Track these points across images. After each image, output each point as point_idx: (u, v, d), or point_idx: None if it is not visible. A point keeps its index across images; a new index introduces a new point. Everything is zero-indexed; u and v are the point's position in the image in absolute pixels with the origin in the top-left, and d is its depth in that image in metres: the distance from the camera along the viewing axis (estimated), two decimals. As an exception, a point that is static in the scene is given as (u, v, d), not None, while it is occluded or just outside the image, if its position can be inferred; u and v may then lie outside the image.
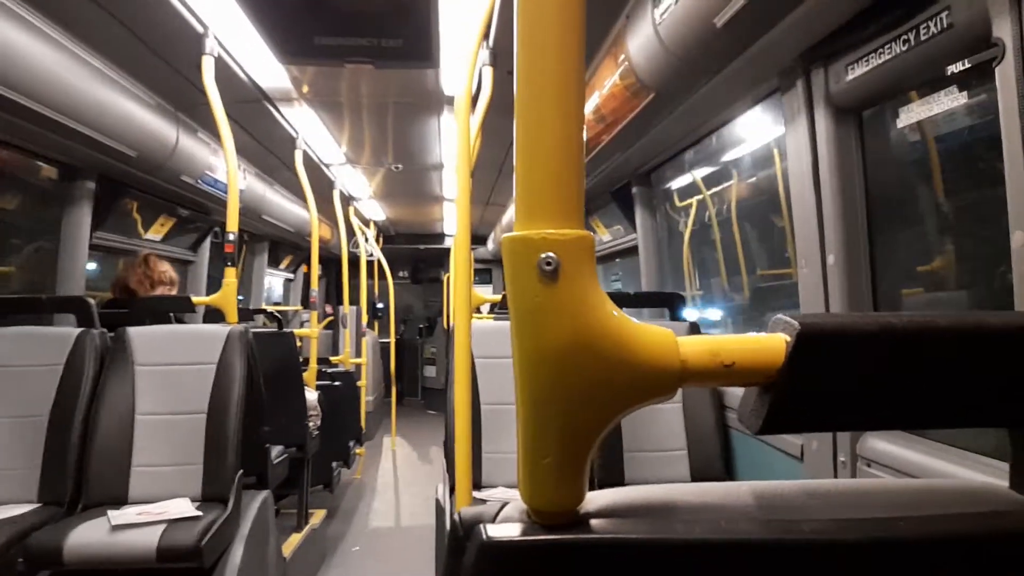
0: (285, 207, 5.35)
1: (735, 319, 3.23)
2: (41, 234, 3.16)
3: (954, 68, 1.45)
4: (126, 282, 3.06)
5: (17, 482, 2.31)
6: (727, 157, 2.96)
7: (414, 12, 2.30)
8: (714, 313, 3.43)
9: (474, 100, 2.18)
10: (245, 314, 3.28)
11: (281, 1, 2.30)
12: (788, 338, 0.48)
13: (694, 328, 2.69)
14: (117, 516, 2.10)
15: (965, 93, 1.49)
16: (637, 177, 3.63)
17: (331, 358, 5.38)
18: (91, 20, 2.27)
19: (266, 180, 4.82)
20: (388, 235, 9.09)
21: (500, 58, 2.47)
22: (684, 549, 0.49)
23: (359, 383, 5.70)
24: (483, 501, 2.23)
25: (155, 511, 2.16)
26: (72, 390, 2.40)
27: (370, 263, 7.39)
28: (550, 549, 0.49)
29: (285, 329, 3.70)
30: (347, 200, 6.04)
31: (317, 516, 4.00)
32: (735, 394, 2.39)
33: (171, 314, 3.06)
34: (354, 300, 6.27)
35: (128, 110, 2.73)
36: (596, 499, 0.53)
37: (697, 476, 2.43)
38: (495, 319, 3.91)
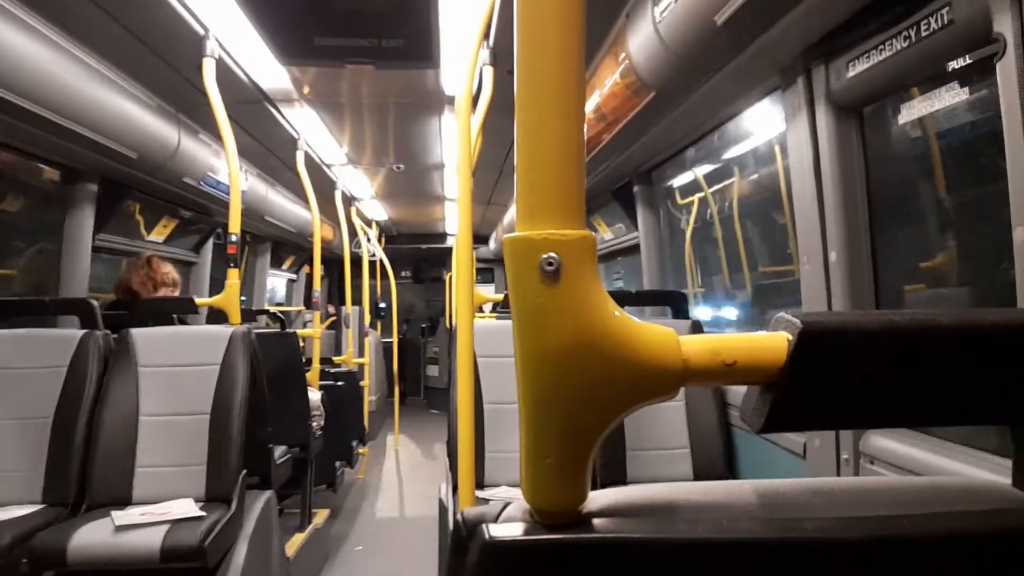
0: (287, 208, 5.35)
1: (737, 317, 3.22)
2: (44, 236, 3.17)
3: (955, 64, 1.45)
4: (129, 284, 3.07)
5: (21, 483, 2.32)
6: (728, 155, 2.95)
7: (414, 12, 2.30)
8: (716, 311, 3.43)
9: (475, 100, 2.18)
10: (248, 315, 3.29)
11: (281, 2, 2.30)
12: (790, 336, 0.48)
13: (696, 327, 2.69)
14: (121, 517, 2.10)
15: (966, 89, 1.49)
16: (638, 175, 3.63)
17: (334, 358, 5.39)
18: (92, 22, 2.28)
19: (268, 181, 4.82)
20: (390, 235, 9.10)
21: (500, 58, 2.47)
22: (687, 548, 0.49)
23: (362, 383, 5.71)
24: (486, 500, 2.23)
25: (159, 511, 2.17)
26: (76, 391, 2.41)
27: (372, 263, 7.39)
28: (553, 549, 0.50)
29: (288, 330, 3.70)
30: (349, 200, 6.05)
31: (320, 516, 4.01)
32: (738, 392, 2.39)
33: (174, 315, 3.07)
34: (356, 300, 6.28)
35: (129, 112, 2.74)
36: (598, 498, 0.53)
37: (700, 475, 2.43)
38: (497, 318, 3.91)
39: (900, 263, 1.82)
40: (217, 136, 2.92)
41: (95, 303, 2.58)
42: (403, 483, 5.61)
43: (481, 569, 0.50)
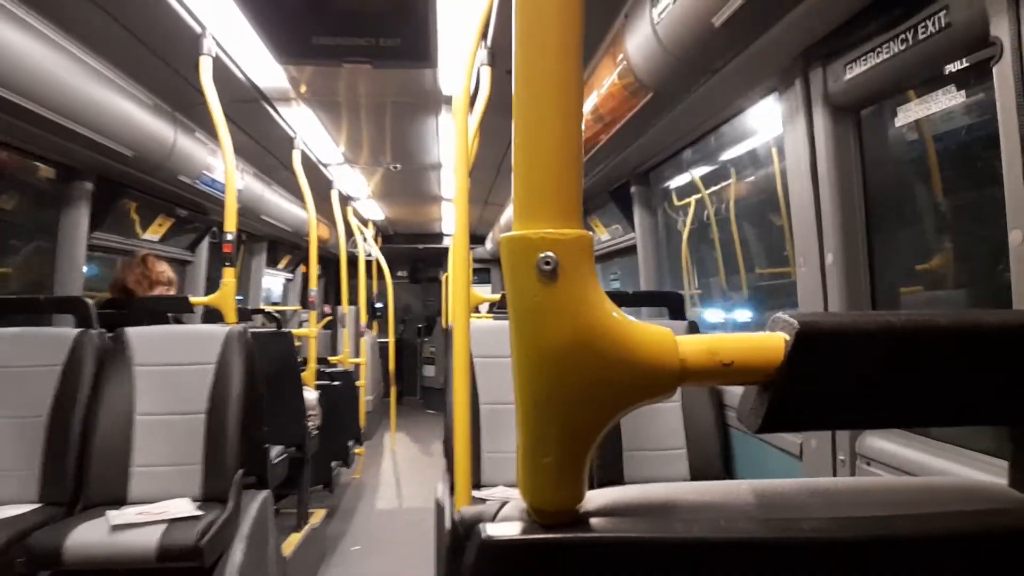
0: (283, 207, 5.35)
1: (734, 318, 3.23)
2: (39, 234, 3.16)
3: (952, 67, 1.46)
4: (124, 282, 3.06)
5: (17, 482, 2.31)
6: (725, 156, 2.96)
7: (412, 12, 2.30)
8: (712, 312, 3.43)
9: (472, 100, 2.18)
10: (244, 314, 3.28)
11: (279, 1, 2.30)
12: (787, 337, 0.48)
13: (693, 327, 2.69)
14: (117, 516, 2.10)
15: (963, 92, 1.49)
16: (636, 176, 3.64)
17: (330, 358, 5.38)
18: (89, 20, 2.27)
19: (264, 180, 4.81)
20: (387, 235, 9.09)
21: (498, 58, 2.47)
22: (683, 548, 0.49)
23: (358, 383, 5.70)
24: (483, 500, 2.23)
25: (155, 511, 2.16)
26: (71, 390, 2.40)
27: (369, 263, 7.38)
28: (550, 548, 0.50)
29: (283, 329, 3.70)
30: (345, 200, 6.04)
31: (317, 516, 4.00)
32: (734, 393, 2.39)
33: (170, 314, 3.06)
34: (353, 300, 6.27)
35: (126, 110, 2.73)
36: (596, 498, 0.53)
37: (696, 475, 2.43)
38: (494, 318, 3.91)
39: (896, 265, 1.83)
40: (213, 135, 2.91)
41: (90, 302, 2.58)
42: (400, 483, 5.61)
43: (478, 568, 0.50)
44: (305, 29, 2.35)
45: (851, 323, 0.48)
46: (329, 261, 8.41)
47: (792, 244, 2.18)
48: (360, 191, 5.95)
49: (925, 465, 1.50)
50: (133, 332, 2.52)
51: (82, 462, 2.34)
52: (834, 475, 1.79)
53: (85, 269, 3.16)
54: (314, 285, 4.58)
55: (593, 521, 0.50)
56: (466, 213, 1.88)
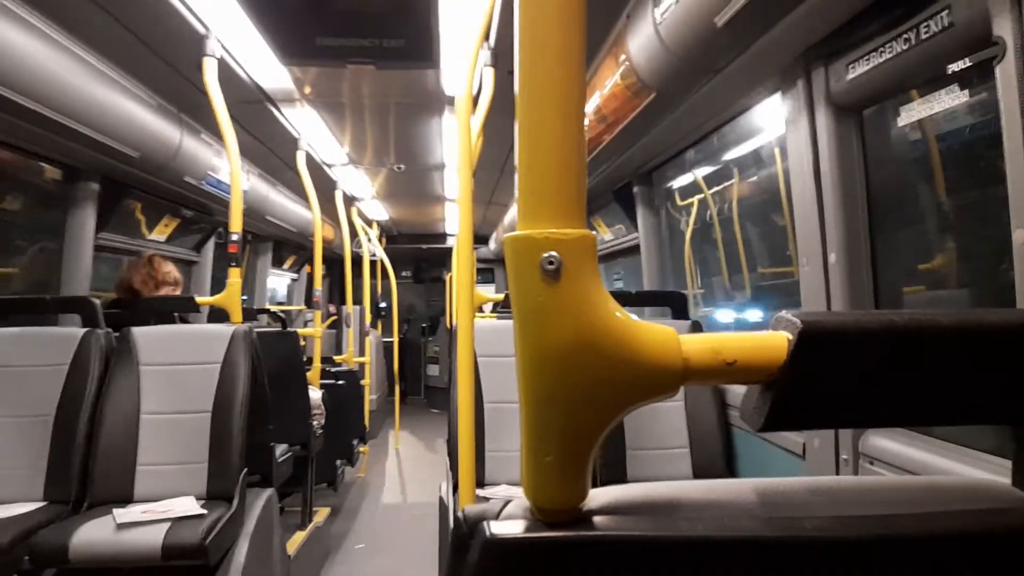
0: (288, 207, 5.36)
1: (736, 318, 3.22)
2: (45, 235, 3.17)
3: (955, 67, 1.46)
4: (130, 282, 3.07)
5: (23, 481, 2.32)
6: (728, 156, 2.96)
7: (415, 13, 2.30)
8: (715, 312, 3.43)
9: (475, 100, 2.18)
10: (249, 314, 3.29)
11: (282, 2, 2.30)
12: (790, 336, 0.48)
13: (696, 327, 2.69)
14: (122, 514, 2.11)
15: (966, 92, 1.49)
16: (638, 176, 3.64)
17: (335, 357, 5.39)
18: (93, 22, 2.28)
19: (269, 181, 4.83)
20: (391, 235, 9.10)
21: (501, 58, 2.47)
22: (687, 546, 0.49)
23: (362, 382, 5.71)
24: (486, 499, 2.23)
25: (160, 509, 2.17)
26: (77, 390, 2.41)
27: (373, 263, 7.40)
28: (553, 546, 0.50)
29: (288, 329, 3.71)
30: (350, 200, 6.05)
31: (321, 514, 4.01)
32: (737, 392, 2.39)
33: (175, 314, 3.07)
34: (357, 300, 6.28)
35: (131, 112, 2.74)
36: (599, 496, 0.54)
37: (699, 474, 2.43)
38: (498, 318, 3.91)
39: (899, 265, 1.83)
40: (218, 136, 2.92)
41: (97, 302, 2.59)
42: (404, 482, 5.61)
43: (482, 566, 0.50)
44: (309, 30, 2.36)
45: (854, 322, 0.48)
46: (334, 261, 8.42)
47: (795, 244, 2.18)
48: (364, 191, 5.95)
49: (928, 464, 1.50)
50: (139, 332, 2.53)
51: (88, 461, 2.35)
52: (837, 474, 1.79)
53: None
54: (319, 285, 4.59)
55: (596, 519, 0.51)
56: (470, 213, 1.89)
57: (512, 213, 6.40)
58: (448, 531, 2.35)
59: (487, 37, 2.42)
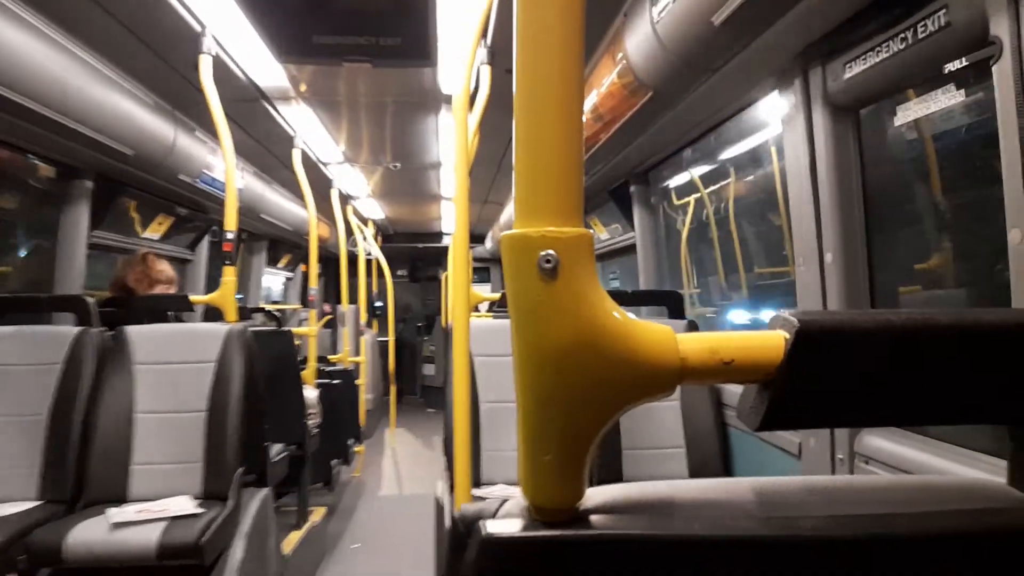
0: (283, 206, 5.35)
1: (732, 318, 3.23)
2: (39, 233, 3.16)
3: (951, 66, 1.46)
4: (124, 281, 3.06)
5: (18, 480, 2.31)
6: (725, 155, 2.96)
7: (412, 11, 2.30)
8: (711, 311, 3.43)
9: (472, 98, 2.18)
10: (244, 313, 3.28)
11: (279, 0, 2.30)
12: (787, 335, 0.48)
13: (692, 326, 2.69)
14: (117, 514, 2.10)
15: (962, 91, 1.49)
16: (635, 176, 3.64)
17: (330, 357, 5.38)
18: (89, 19, 2.27)
19: (264, 179, 4.82)
20: (386, 234, 9.09)
21: (498, 57, 2.47)
22: (683, 545, 0.49)
23: (358, 381, 5.70)
24: (482, 498, 2.23)
25: (155, 509, 2.17)
26: (72, 389, 2.41)
27: (368, 262, 7.38)
28: (551, 545, 0.50)
29: (283, 328, 3.70)
30: (345, 199, 6.04)
31: (317, 514, 4.00)
32: (733, 392, 2.40)
33: (170, 313, 3.06)
34: (353, 299, 6.27)
35: (126, 109, 2.73)
36: (596, 495, 0.54)
37: (695, 474, 2.43)
38: (493, 317, 3.91)
39: (896, 265, 1.83)
40: (214, 133, 2.91)
41: (91, 300, 2.58)
42: (400, 481, 5.61)
43: (479, 566, 0.50)
44: (305, 28, 2.35)
45: (851, 321, 0.48)
46: (329, 260, 8.41)
47: (791, 243, 2.18)
48: (360, 190, 5.95)
49: (924, 464, 1.51)
50: (133, 331, 2.53)
51: (82, 460, 2.34)
52: (833, 474, 1.79)
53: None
54: (314, 284, 4.58)
55: (593, 518, 0.51)
56: (466, 212, 1.89)
57: (508, 212, 6.41)
58: (444, 530, 2.35)
59: (484, 35, 2.42)
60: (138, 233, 3.86)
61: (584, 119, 2.70)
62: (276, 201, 5.13)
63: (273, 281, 7.48)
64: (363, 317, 6.89)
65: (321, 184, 4.94)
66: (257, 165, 4.56)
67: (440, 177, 5.45)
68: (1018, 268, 1.22)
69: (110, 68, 2.59)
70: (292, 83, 3.15)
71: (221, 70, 2.74)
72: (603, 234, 4.56)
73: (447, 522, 2.24)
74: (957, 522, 0.51)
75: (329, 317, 6.66)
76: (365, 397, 6.10)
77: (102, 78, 2.54)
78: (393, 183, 5.74)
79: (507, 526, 0.50)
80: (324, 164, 4.82)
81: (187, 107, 3.18)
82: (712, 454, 2.45)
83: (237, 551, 2.24)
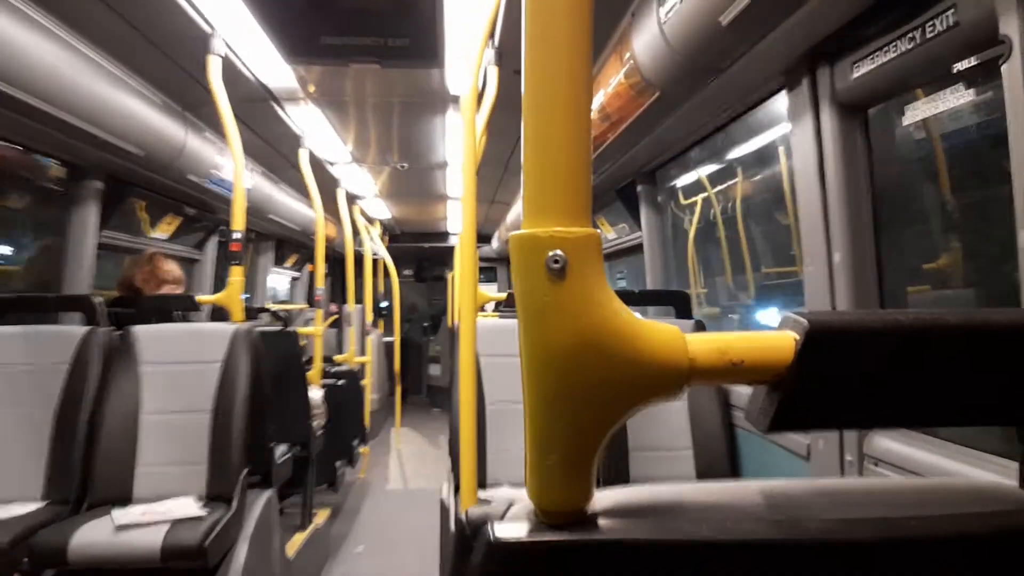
0: (291, 206, 5.36)
1: (740, 318, 3.22)
2: (48, 233, 3.17)
3: (960, 66, 1.45)
4: (132, 280, 3.07)
5: (23, 480, 2.32)
6: (732, 155, 2.95)
7: (420, 12, 2.30)
8: (719, 312, 3.42)
9: (479, 99, 2.18)
10: (250, 313, 3.29)
11: (287, 1, 2.30)
12: (797, 336, 0.47)
13: (699, 327, 2.68)
14: (122, 515, 2.11)
15: (971, 91, 1.49)
16: (642, 175, 3.63)
17: (335, 357, 5.38)
18: (98, 20, 2.28)
19: (272, 179, 4.83)
20: (393, 234, 9.11)
21: (505, 57, 2.47)
22: (691, 548, 0.49)
23: (363, 382, 5.71)
24: (488, 500, 2.23)
25: (159, 510, 2.17)
26: (78, 389, 2.41)
27: (375, 262, 7.40)
28: (558, 549, 0.49)
29: (289, 328, 3.70)
30: (352, 199, 6.05)
31: (321, 515, 4.01)
32: (740, 393, 2.39)
33: (177, 312, 3.07)
34: (359, 299, 6.27)
35: (136, 110, 2.74)
36: (603, 498, 0.53)
37: (702, 475, 2.42)
38: (500, 317, 3.91)
39: (904, 265, 1.82)
40: (222, 134, 2.92)
41: (98, 300, 2.59)
42: (405, 482, 5.61)
43: (486, 569, 0.50)
44: (313, 29, 2.35)
45: (860, 322, 0.48)
46: (336, 260, 8.43)
47: (799, 243, 2.17)
48: (367, 190, 5.95)
49: (933, 466, 1.50)
50: (140, 330, 2.53)
51: (88, 461, 2.34)
52: (842, 476, 1.78)
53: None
54: (321, 284, 4.59)
55: (601, 522, 0.50)
56: (473, 212, 1.88)
57: (515, 212, 6.41)
58: (449, 533, 2.35)
59: (492, 36, 2.42)
60: (146, 233, 3.87)
61: (591, 119, 2.70)
62: (283, 201, 5.15)
63: (279, 280, 7.50)
64: (369, 317, 6.90)
65: (328, 184, 4.95)
66: (265, 165, 4.57)
67: (447, 177, 5.45)
68: (1028, 269, 1.21)
69: (120, 69, 2.60)
70: (300, 84, 3.16)
71: (230, 71, 2.75)
72: (610, 234, 4.55)
73: (452, 524, 2.23)
74: (967, 525, 0.51)
75: (335, 317, 6.67)
76: (370, 397, 6.10)
77: (113, 79, 2.55)
78: (400, 183, 5.74)
79: (514, 529, 0.50)
80: (331, 164, 4.83)
81: (196, 108, 3.20)
82: (720, 455, 2.44)
83: (241, 553, 2.24)
